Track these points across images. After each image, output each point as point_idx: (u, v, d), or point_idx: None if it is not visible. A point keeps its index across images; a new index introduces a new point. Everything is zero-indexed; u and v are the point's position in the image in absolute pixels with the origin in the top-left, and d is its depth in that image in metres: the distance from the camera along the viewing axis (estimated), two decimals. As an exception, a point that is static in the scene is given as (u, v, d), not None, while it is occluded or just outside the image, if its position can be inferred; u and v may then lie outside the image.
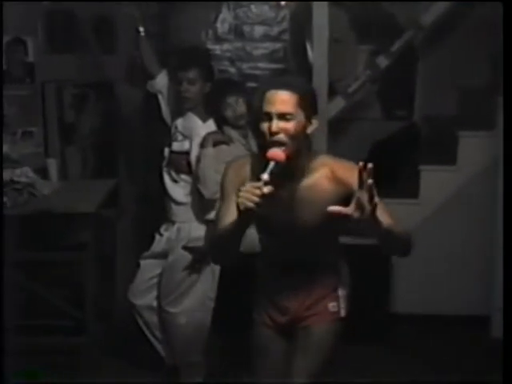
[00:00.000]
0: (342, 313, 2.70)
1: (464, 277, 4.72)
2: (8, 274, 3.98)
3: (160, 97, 3.95)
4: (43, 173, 4.28)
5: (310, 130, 2.45)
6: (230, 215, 2.35)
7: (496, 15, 3.45)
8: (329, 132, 4.56)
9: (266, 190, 2.20)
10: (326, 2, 4.38)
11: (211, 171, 3.48)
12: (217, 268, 3.76)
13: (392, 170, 4.88)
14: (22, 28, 4.47)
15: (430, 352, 4.34)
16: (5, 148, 4.21)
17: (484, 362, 3.93)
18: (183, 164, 3.71)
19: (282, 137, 2.34)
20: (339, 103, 4.72)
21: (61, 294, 4.28)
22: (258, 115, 2.41)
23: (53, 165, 4.35)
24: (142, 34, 3.91)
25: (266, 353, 2.74)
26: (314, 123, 2.46)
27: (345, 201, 2.36)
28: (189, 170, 3.68)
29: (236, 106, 3.67)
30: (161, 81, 3.93)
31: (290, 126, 2.35)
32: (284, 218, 2.48)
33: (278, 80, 2.55)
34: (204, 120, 3.70)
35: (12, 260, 4.00)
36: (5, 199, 3.83)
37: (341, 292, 2.73)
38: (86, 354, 4.03)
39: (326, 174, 2.46)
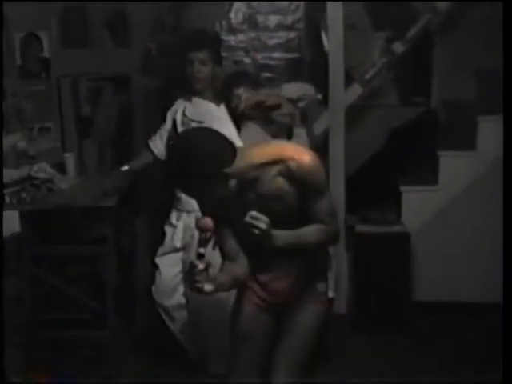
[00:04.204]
0: (331, 294, 2.77)
1: (485, 263, 4.68)
2: (29, 268, 4.01)
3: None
4: (61, 168, 4.28)
5: None
6: None
7: None
8: (346, 119, 4.55)
9: (202, 265, 2.33)
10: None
11: None
12: None
13: (410, 157, 4.86)
14: (36, 24, 4.49)
15: (451, 340, 4.32)
16: (22, 144, 4.24)
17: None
18: None
19: None
20: (356, 90, 4.68)
21: (82, 288, 4.29)
22: None
23: (70, 159, 4.35)
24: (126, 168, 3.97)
25: (251, 336, 2.70)
26: None
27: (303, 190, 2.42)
28: None
29: (243, 95, 3.75)
30: (157, 143, 3.93)
31: None
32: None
33: None
34: (216, 104, 3.73)
35: (32, 255, 4.02)
36: (23, 195, 3.84)
37: (329, 274, 2.75)
38: (108, 347, 4.04)
39: (279, 171, 2.43)
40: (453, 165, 4.75)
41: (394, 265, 4.45)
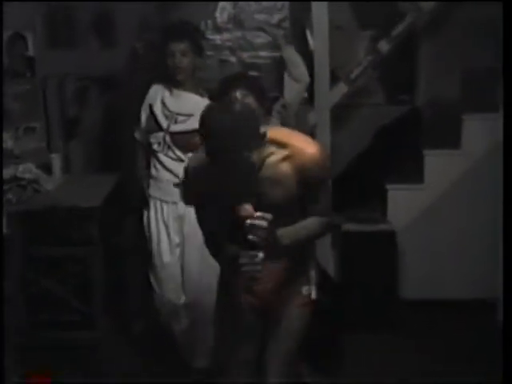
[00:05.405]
0: (314, 295, 2.73)
1: (471, 261, 4.71)
2: (16, 269, 4.00)
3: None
4: (47, 168, 4.27)
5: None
6: None
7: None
8: (332, 118, 4.56)
9: (261, 254, 2.33)
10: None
11: None
12: None
13: (396, 156, 4.88)
14: (21, 23, 4.46)
15: (439, 338, 4.35)
16: (8, 144, 4.21)
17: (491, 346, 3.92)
18: (194, 142, 3.65)
19: None
20: (341, 89, 4.69)
21: (70, 289, 4.29)
22: None
23: (56, 160, 4.35)
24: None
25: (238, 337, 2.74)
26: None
27: (305, 180, 2.41)
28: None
29: (240, 98, 3.75)
30: (140, 131, 3.93)
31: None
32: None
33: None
34: (201, 95, 3.74)
35: (19, 256, 4.02)
36: (9, 196, 3.84)
37: (312, 273, 2.74)
38: (97, 348, 4.04)
39: (286, 157, 2.43)
40: (438, 163, 4.78)
41: (381, 263, 4.48)
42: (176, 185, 3.70)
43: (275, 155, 2.42)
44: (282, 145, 2.42)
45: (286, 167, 2.42)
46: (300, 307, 2.69)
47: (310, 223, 2.51)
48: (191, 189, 2.61)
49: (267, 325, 2.72)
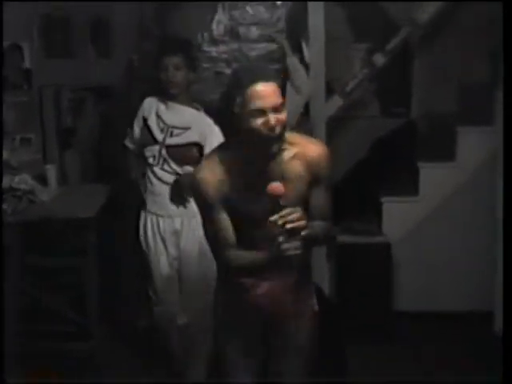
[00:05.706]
0: (316, 308, 2.75)
1: (466, 273, 4.72)
2: (11, 279, 3.99)
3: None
4: (42, 179, 4.27)
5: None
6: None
7: (493, 10, 3.45)
8: (327, 131, 4.57)
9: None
10: (321, 2, 4.40)
11: None
12: None
13: (391, 168, 4.89)
14: (18, 34, 4.47)
15: (434, 349, 4.34)
16: (4, 155, 4.21)
17: (487, 358, 3.93)
18: (191, 154, 3.67)
19: (278, 130, 2.34)
20: (337, 102, 4.72)
21: (64, 300, 4.28)
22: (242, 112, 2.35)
23: (51, 171, 4.35)
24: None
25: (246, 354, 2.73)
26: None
27: (313, 180, 2.45)
28: (199, 159, 3.64)
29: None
30: (133, 143, 3.92)
31: (283, 116, 2.37)
32: (256, 202, 2.39)
33: (255, 73, 2.40)
34: (196, 109, 3.75)
35: (14, 266, 4.01)
36: (5, 206, 3.83)
37: (313, 286, 2.77)
38: (91, 358, 4.03)
39: (297, 154, 2.46)
40: (433, 175, 4.79)
41: (376, 275, 4.48)
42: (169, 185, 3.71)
43: (286, 152, 2.45)
44: (290, 143, 2.46)
45: (297, 167, 2.46)
46: (308, 320, 2.71)
47: (315, 225, 2.48)
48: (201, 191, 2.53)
49: (275, 337, 2.72)
